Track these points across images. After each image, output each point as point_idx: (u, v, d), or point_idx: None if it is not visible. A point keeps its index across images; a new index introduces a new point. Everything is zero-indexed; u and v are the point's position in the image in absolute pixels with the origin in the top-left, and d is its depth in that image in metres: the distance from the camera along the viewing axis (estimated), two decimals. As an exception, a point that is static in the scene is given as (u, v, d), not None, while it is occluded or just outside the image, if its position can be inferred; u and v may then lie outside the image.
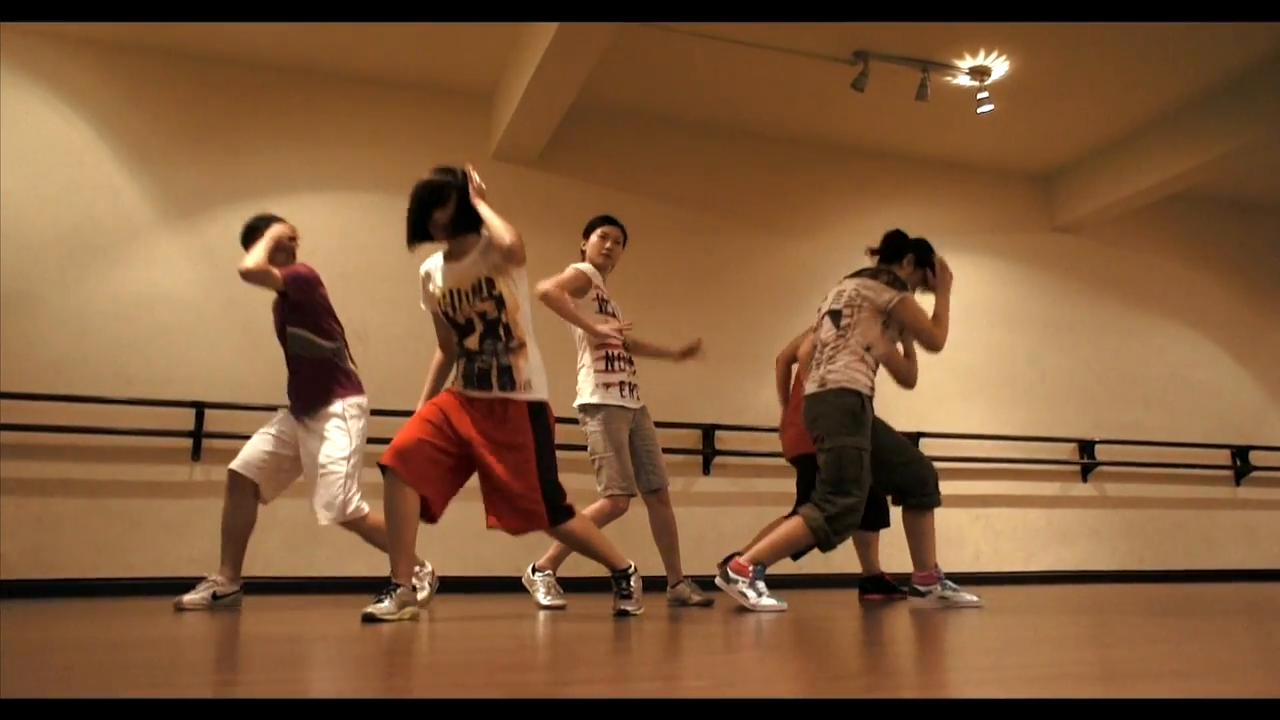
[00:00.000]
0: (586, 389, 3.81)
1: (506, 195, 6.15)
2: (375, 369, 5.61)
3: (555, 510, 3.01)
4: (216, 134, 5.72)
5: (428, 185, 3.09)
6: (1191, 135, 6.48)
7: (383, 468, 2.91)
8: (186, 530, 5.16)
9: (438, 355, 3.33)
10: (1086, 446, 7.14)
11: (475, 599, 4.51)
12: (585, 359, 3.85)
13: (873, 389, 3.59)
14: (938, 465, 6.74)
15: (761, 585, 3.36)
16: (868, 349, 3.56)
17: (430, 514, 3.00)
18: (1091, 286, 7.61)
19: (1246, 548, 7.45)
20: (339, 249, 5.79)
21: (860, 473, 3.44)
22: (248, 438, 5.30)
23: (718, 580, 3.44)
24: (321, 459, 3.61)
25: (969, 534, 6.65)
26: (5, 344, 5.08)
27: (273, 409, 5.37)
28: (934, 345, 3.57)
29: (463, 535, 5.62)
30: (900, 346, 3.79)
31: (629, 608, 3.21)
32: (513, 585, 4.82)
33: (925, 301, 3.73)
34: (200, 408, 5.25)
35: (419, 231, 3.13)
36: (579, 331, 3.85)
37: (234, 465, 3.71)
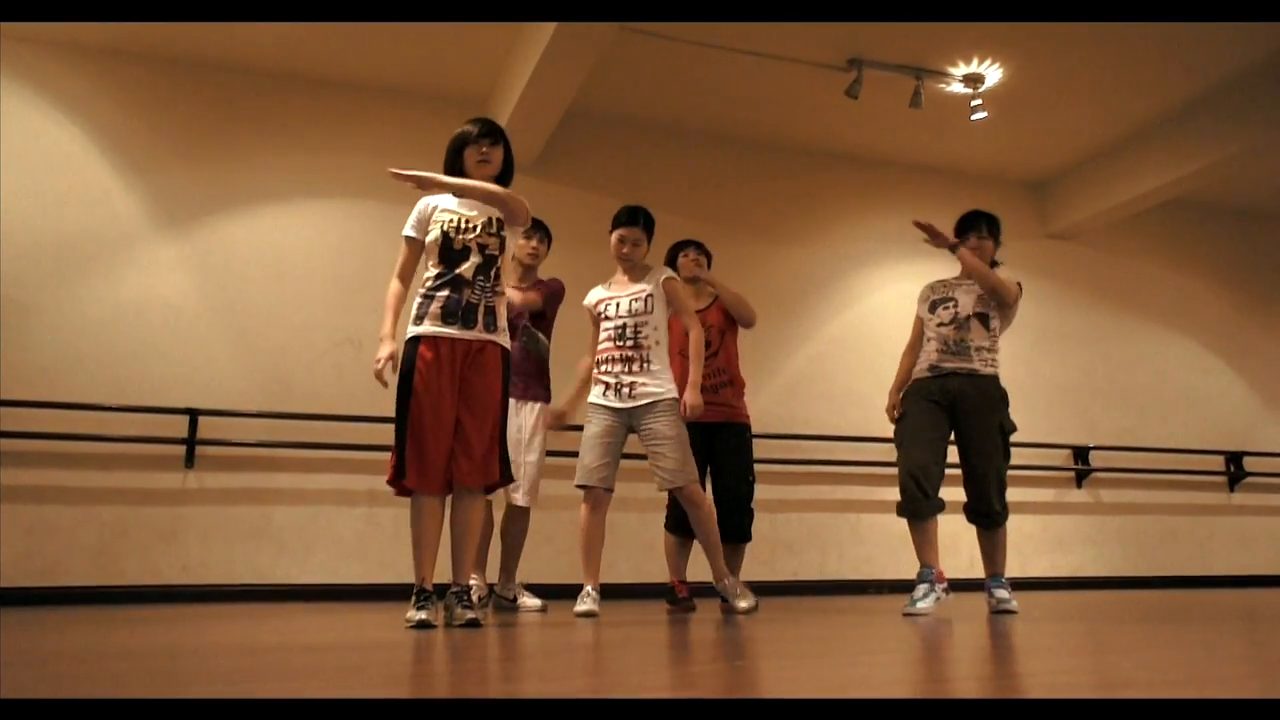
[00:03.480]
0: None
1: (501, 202, 6.16)
2: (368, 376, 5.56)
3: (505, 469, 3.07)
4: (211, 140, 5.71)
5: (494, 125, 3.23)
6: (1185, 142, 6.51)
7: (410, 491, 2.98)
8: (179, 537, 5.14)
9: (396, 285, 3.17)
10: (1081, 453, 7.15)
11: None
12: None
13: (926, 369, 3.99)
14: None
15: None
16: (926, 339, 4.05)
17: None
18: (1085, 293, 7.62)
19: (1241, 554, 7.46)
20: (333, 255, 5.79)
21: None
22: (241, 445, 5.35)
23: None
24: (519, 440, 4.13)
25: (963, 540, 6.60)
26: (-2, 351, 5.07)
27: (266, 416, 5.41)
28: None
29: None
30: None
31: (476, 616, 2.98)
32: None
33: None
34: (194, 414, 5.23)
35: (459, 164, 3.19)
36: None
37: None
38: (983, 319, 3.86)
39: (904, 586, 6.37)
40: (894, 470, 6.43)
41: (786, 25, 5.44)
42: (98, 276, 5.35)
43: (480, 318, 3.03)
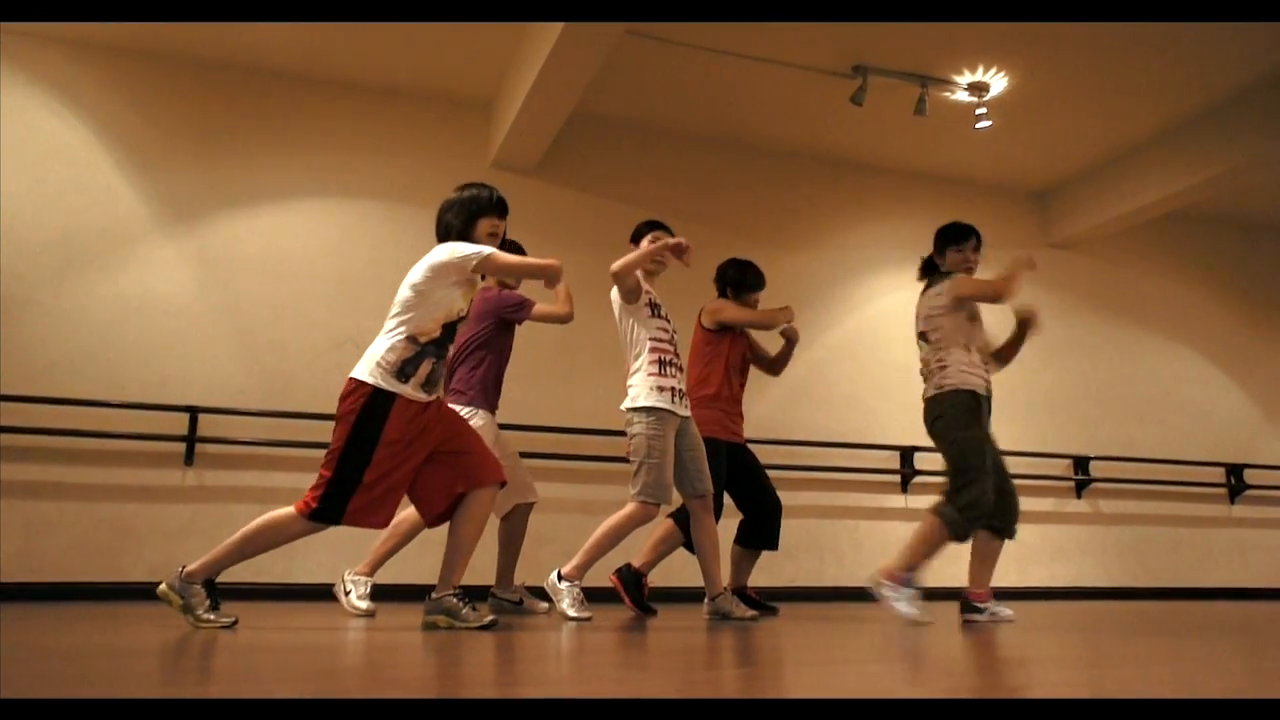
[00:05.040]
0: (640, 392, 3.75)
1: (504, 204, 6.17)
2: (370, 376, 5.61)
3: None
4: (214, 139, 5.72)
5: (490, 195, 3.20)
6: (1189, 153, 6.51)
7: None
8: (178, 535, 5.14)
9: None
10: (1081, 463, 7.14)
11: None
12: (639, 363, 3.80)
13: (987, 386, 3.88)
14: (933, 480, 6.79)
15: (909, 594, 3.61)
16: (966, 346, 3.85)
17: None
18: (1087, 303, 7.62)
19: (1240, 566, 7.45)
20: (335, 256, 5.80)
21: (983, 461, 3.68)
22: (242, 443, 5.35)
23: (873, 589, 3.65)
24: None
25: (963, 549, 6.64)
26: (0, 346, 5.07)
27: (267, 414, 5.41)
28: (1000, 297, 3.86)
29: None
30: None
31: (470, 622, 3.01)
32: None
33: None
34: (194, 412, 5.24)
35: (470, 231, 3.17)
36: (633, 335, 3.84)
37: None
38: (923, 336, 3.98)
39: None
40: (893, 478, 6.49)
41: (792, 31, 5.44)
42: (100, 273, 5.35)
43: (441, 381, 3.10)
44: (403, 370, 2.95)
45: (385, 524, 2.97)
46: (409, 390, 2.94)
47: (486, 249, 3.04)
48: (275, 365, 5.54)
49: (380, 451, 2.89)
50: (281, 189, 5.80)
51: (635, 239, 4.04)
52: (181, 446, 5.24)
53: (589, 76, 5.25)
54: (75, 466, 5.07)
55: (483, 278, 4.11)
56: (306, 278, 5.73)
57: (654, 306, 3.89)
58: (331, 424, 5.42)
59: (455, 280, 3.03)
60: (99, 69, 5.58)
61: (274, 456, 5.40)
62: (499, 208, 3.19)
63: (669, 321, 3.94)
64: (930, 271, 4.15)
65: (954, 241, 4.11)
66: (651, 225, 4.05)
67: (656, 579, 4.48)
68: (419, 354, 2.97)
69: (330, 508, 2.88)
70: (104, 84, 5.57)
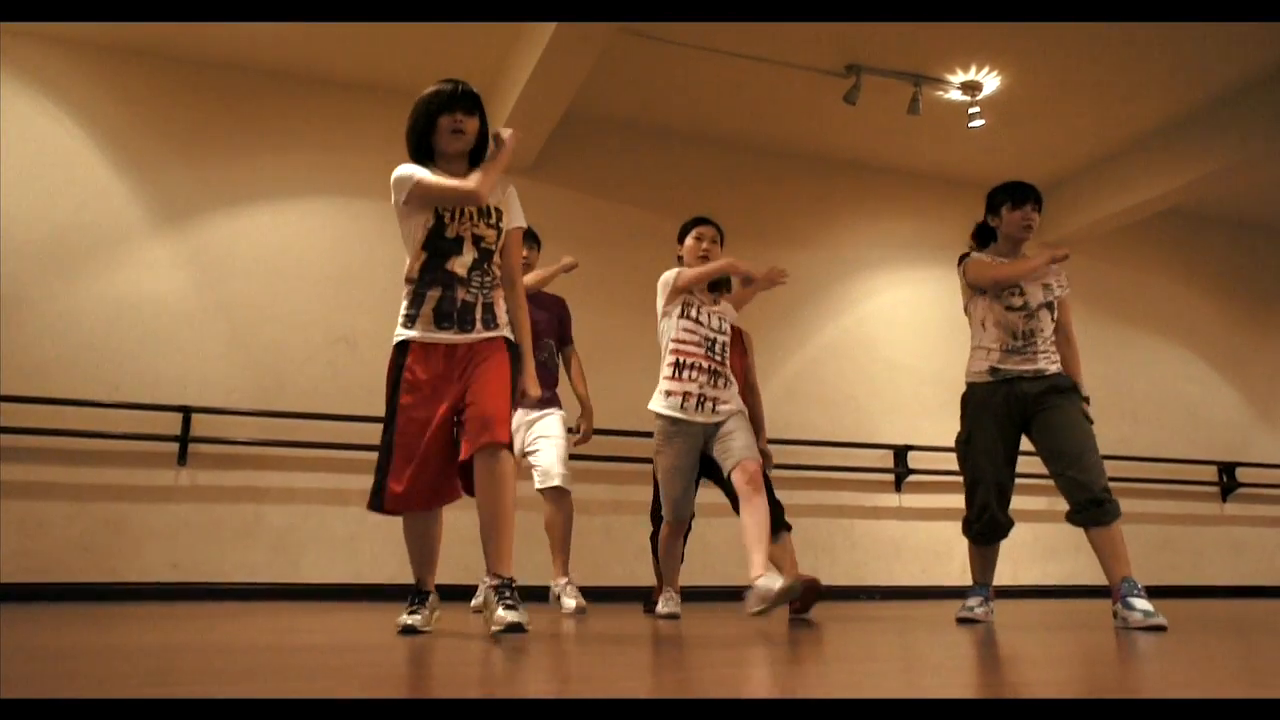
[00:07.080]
0: (655, 394, 3.64)
1: (498, 203, 6.16)
2: (363, 375, 5.60)
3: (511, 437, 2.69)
4: (207, 138, 5.71)
5: (469, 88, 2.84)
6: (1182, 152, 6.53)
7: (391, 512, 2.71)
8: (171, 535, 5.13)
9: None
10: (1074, 461, 7.15)
11: (456, 606, 4.48)
12: (662, 364, 3.67)
13: (987, 372, 3.61)
14: (926, 479, 6.81)
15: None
16: (982, 324, 3.65)
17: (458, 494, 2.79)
18: (1081, 302, 7.60)
19: (1233, 564, 7.48)
20: (329, 254, 5.79)
21: (965, 464, 3.65)
22: (234, 443, 5.34)
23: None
24: (548, 432, 4.22)
25: (957, 548, 6.66)
26: (-9, 346, 5.06)
27: (260, 414, 5.40)
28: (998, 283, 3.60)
29: (448, 542, 5.60)
30: None
31: (516, 619, 2.54)
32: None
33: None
34: (187, 412, 5.23)
35: (426, 141, 2.85)
36: (661, 334, 3.70)
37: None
38: (1050, 308, 3.61)
39: (896, 593, 6.39)
40: (888, 476, 6.50)
41: (786, 30, 5.45)
42: (93, 273, 5.34)
43: (479, 316, 2.69)
44: (408, 317, 2.70)
45: (420, 502, 2.67)
46: (417, 332, 2.67)
47: (415, 175, 2.71)
48: (268, 365, 5.53)
49: (400, 399, 2.64)
50: (275, 188, 5.79)
51: (681, 238, 4.01)
52: (175, 446, 5.23)
53: (582, 76, 5.25)
54: (68, 466, 5.05)
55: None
56: (300, 277, 5.72)
57: (692, 308, 3.69)
58: (323, 423, 5.46)
59: (404, 213, 2.75)
60: (92, 68, 5.56)
61: (267, 456, 5.39)
62: (462, 101, 2.81)
63: (707, 323, 3.68)
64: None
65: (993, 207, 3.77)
66: (695, 222, 3.98)
67: (647, 578, 4.46)
68: (416, 293, 2.70)
69: (373, 494, 2.66)
70: (97, 83, 5.55)
